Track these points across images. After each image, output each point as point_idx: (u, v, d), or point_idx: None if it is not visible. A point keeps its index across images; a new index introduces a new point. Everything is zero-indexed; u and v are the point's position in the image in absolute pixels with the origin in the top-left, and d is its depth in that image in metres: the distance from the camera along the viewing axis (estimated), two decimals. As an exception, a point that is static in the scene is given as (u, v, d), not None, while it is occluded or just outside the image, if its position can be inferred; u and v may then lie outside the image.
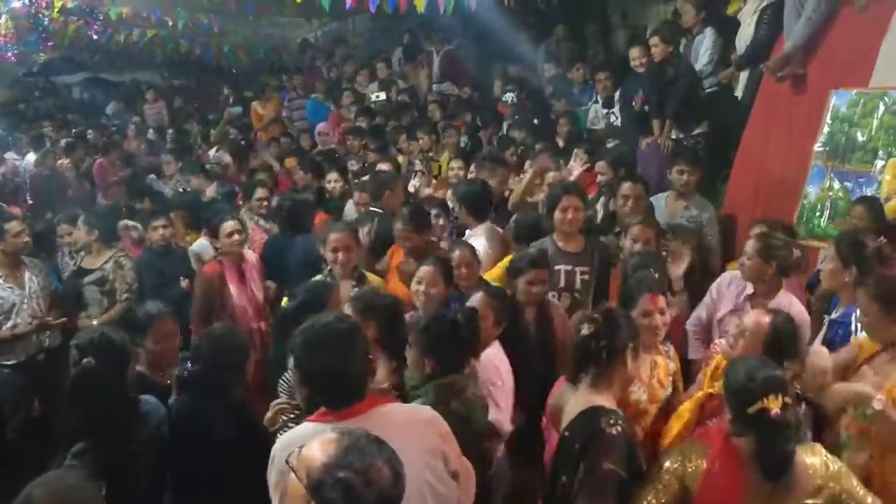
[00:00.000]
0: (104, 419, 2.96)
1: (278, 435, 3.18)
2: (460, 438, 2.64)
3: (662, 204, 5.57)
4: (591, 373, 2.84)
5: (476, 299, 3.68)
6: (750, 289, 4.16)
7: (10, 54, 11.46)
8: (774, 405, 2.49)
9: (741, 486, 2.54)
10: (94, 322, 5.19)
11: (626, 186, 5.23)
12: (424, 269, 4.09)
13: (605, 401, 2.78)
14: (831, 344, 3.71)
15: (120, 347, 3.19)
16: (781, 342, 3.23)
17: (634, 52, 6.80)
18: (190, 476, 3.13)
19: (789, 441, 2.52)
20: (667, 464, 2.63)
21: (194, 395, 3.24)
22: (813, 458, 2.57)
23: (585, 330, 2.88)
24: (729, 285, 4.32)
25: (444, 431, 2.53)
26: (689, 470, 2.59)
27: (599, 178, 5.98)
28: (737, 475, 2.54)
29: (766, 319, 3.28)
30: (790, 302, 4.01)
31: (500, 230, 5.31)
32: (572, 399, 2.88)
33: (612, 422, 2.66)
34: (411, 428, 2.45)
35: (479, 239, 5.00)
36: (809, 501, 2.51)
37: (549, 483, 2.78)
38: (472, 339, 3.30)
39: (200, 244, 6.03)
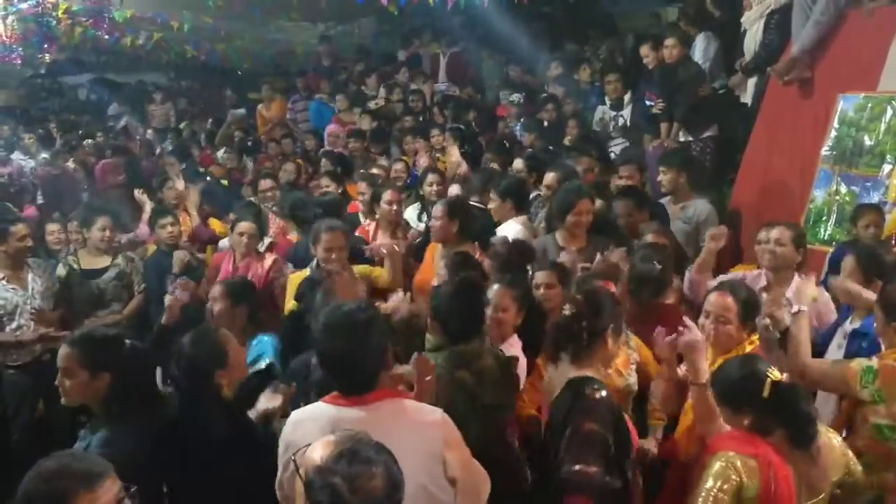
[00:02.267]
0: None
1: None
2: (460, 411, 2.64)
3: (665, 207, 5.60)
4: (570, 351, 2.87)
5: (494, 291, 3.72)
6: (763, 281, 4.20)
7: (14, 55, 11.47)
8: (778, 376, 2.60)
9: (793, 478, 2.57)
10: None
11: (619, 205, 5.23)
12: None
13: (589, 373, 2.82)
14: (857, 357, 3.54)
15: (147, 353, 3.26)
16: (753, 311, 3.35)
17: (644, 50, 6.87)
18: (187, 476, 3.09)
19: (807, 399, 2.65)
20: (716, 483, 2.51)
21: (183, 396, 3.23)
22: (825, 434, 2.71)
23: (567, 310, 2.91)
24: None
25: (450, 437, 2.51)
26: (745, 481, 2.52)
27: (626, 181, 5.83)
28: (788, 470, 2.56)
29: (729, 297, 3.36)
30: (808, 286, 4.07)
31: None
32: (556, 377, 2.92)
33: (595, 387, 2.71)
34: (415, 428, 2.46)
35: (515, 225, 5.11)
36: (836, 478, 2.67)
37: (539, 458, 2.81)
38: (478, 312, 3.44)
39: (222, 244, 6.11)
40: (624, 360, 3.52)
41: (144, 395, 3.12)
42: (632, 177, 5.82)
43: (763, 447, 2.58)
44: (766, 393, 2.57)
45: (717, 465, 2.54)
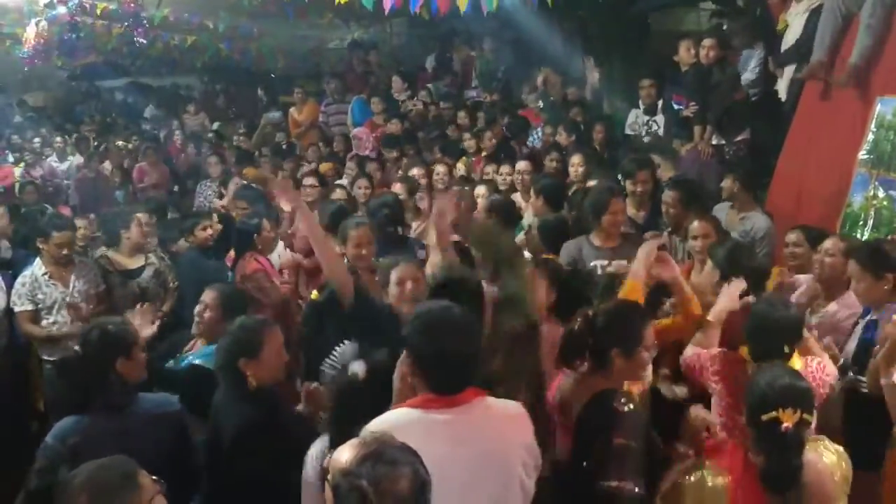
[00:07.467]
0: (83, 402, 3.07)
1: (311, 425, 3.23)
2: None
3: (723, 215, 5.48)
4: (585, 363, 2.95)
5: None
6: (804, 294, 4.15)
7: (51, 56, 11.66)
8: (788, 420, 2.52)
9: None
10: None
11: (668, 195, 5.08)
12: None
13: (610, 385, 2.86)
14: (864, 344, 3.68)
15: (114, 335, 3.21)
16: None
17: (684, 46, 6.80)
18: (220, 470, 3.18)
19: (797, 456, 2.55)
20: (686, 486, 2.71)
21: (221, 388, 3.30)
22: (829, 455, 2.66)
23: (577, 324, 3.00)
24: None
25: (533, 428, 2.59)
26: (709, 489, 2.67)
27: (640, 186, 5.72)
28: (760, 495, 2.58)
29: None
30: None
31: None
32: (576, 388, 2.95)
33: (623, 401, 2.75)
34: (511, 422, 2.52)
35: None
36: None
37: (573, 471, 2.82)
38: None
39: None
40: None
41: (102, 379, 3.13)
42: (646, 181, 5.56)
43: (741, 462, 2.70)
44: (764, 417, 2.57)
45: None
